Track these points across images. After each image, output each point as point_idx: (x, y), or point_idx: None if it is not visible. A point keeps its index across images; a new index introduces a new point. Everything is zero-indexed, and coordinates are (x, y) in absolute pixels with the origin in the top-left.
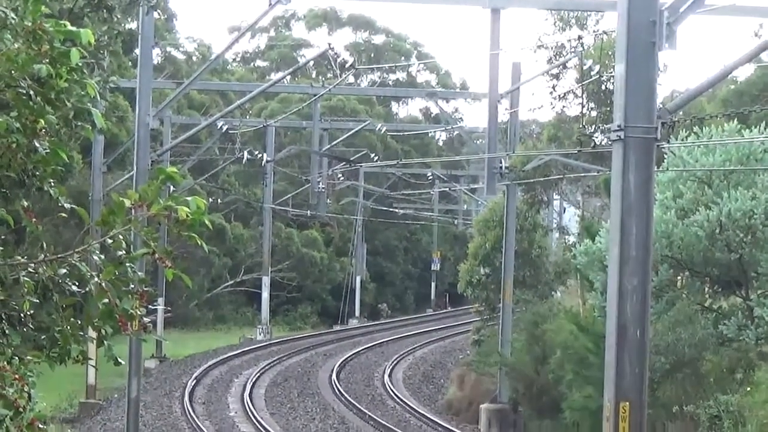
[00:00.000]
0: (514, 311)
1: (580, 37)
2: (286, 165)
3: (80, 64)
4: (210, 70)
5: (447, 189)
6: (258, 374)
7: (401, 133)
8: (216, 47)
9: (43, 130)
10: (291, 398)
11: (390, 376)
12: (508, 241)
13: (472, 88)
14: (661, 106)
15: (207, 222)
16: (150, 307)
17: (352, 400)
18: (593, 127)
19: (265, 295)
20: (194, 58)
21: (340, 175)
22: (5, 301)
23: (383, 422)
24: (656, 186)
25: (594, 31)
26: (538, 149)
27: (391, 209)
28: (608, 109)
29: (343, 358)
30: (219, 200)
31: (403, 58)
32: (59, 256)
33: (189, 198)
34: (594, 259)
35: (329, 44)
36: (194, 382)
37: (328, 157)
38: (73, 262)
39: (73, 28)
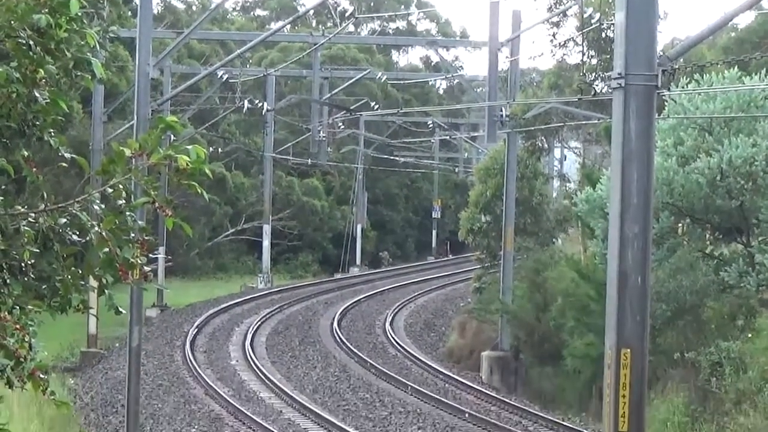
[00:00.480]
0: (515, 259)
1: None
2: (286, 114)
3: (80, 14)
4: (210, 20)
5: (447, 137)
6: (259, 323)
7: (401, 82)
8: None
9: (43, 80)
10: (292, 346)
11: (391, 324)
12: (509, 189)
13: (472, 36)
14: (661, 53)
15: (207, 171)
16: (151, 256)
17: (354, 348)
18: (594, 74)
19: (266, 243)
20: (194, 8)
21: (340, 124)
22: (6, 250)
23: (384, 370)
24: (657, 133)
25: None
26: (538, 97)
27: (391, 157)
28: (609, 56)
29: (344, 307)
30: (219, 149)
31: (402, 6)
32: (60, 205)
33: (189, 147)
34: (595, 206)
35: None
36: (195, 330)
37: (328, 106)
38: (74, 211)
39: None
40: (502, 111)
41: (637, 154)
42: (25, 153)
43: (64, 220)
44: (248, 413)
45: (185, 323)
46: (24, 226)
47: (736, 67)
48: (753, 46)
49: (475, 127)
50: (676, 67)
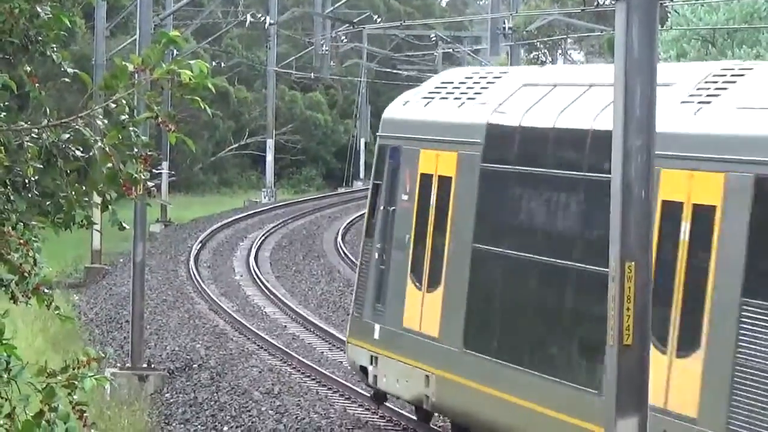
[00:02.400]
0: None
1: None
2: (289, 28)
3: None
4: None
5: (450, 50)
6: (263, 237)
7: None
8: None
9: None
10: (296, 261)
11: None
12: None
13: None
14: None
15: (210, 86)
16: (154, 171)
17: (358, 263)
18: None
19: (270, 158)
20: None
21: (343, 38)
22: (9, 166)
23: None
24: (660, 45)
25: None
26: (541, 9)
27: (394, 71)
28: None
29: (348, 221)
30: (222, 64)
31: None
32: (63, 121)
33: (192, 62)
34: None
35: None
36: (199, 245)
37: (331, 20)
38: (77, 126)
39: None
40: (504, 24)
41: (640, 66)
42: (28, 68)
43: (68, 135)
44: (253, 328)
45: (189, 238)
46: (27, 141)
47: None
48: None
49: (477, 40)
50: None
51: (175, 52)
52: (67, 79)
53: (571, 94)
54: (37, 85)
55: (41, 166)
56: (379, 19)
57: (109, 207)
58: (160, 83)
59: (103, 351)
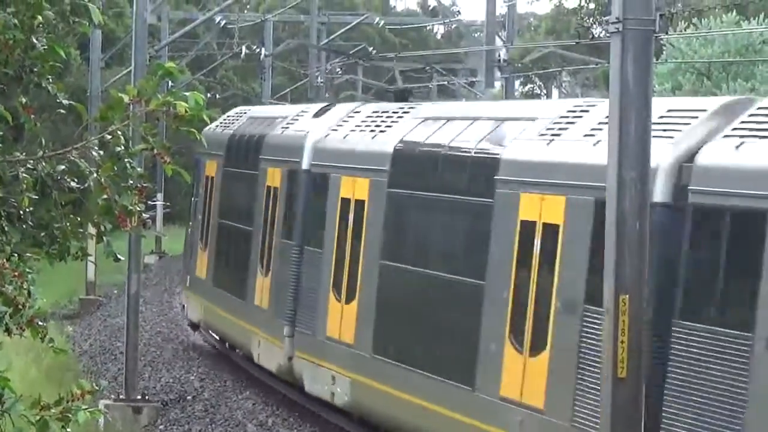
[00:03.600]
0: None
1: None
2: (284, 59)
3: None
4: None
5: (445, 83)
6: None
7: (399, 27)
8: None
9: (41, 26)
10: None
11: None
12: None
13: None
14: None
15: (205, 117)
16: (149, 202)
17: None
18: (591, 19)
19: None
20: None
21: (338, 70)
22: (4, 198)
23: None
24: (655, 78)
25: None
26: (536, 42)
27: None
28: (607, 0)
29: None
30: (217, 95)
31: None
32: (58, 152)
33: (187, 93)
34: None
35: None
36: None
37: (326, 51)
38: (72, 158)
39: None
40: (499, 56)
41: (635, 99)
42: (23, 100)
43: (63, 167)
44: (247, 359)
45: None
46: (22, 173)
47: (734, 11)
48: None
49: (473, 72)
50: (674, 11)
51: (169, 83)
52: (62, 111)
53: (266, 123)
54: (32, 116)
55: (36, 198)
56: (374, 51)
57: (104, 238)
58: (155, 115)
59: (97, 383)
